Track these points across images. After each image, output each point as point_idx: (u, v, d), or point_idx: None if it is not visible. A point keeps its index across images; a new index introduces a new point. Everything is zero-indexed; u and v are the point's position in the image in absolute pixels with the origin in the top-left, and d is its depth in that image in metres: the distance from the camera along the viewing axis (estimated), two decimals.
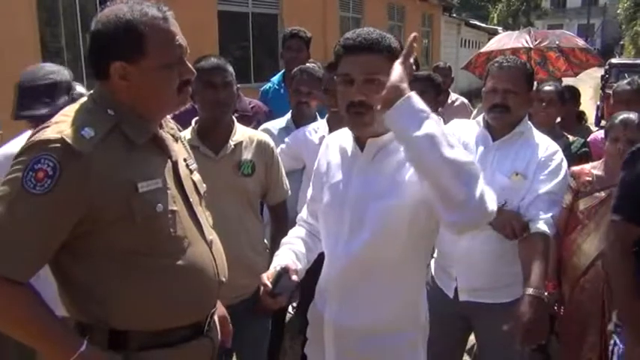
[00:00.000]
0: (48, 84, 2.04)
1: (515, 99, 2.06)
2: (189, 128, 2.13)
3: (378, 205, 1.50)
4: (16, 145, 2.06)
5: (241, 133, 2.19)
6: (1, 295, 1.21)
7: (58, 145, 1.22)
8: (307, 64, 3.13)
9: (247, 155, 2.15)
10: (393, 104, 1.27)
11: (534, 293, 1.78)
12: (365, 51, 1.46)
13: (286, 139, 2.79)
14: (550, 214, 1.96)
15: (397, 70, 1.32)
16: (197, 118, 2.18)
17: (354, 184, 1.57)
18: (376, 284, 1.56)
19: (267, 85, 3.97)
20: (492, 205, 1.27)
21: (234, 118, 2.22)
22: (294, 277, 1.53)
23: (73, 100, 1.90)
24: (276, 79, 3.94)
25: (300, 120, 2.94)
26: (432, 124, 1.25)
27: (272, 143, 2.27)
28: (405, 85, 1.29)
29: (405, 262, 1.56)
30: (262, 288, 1.51)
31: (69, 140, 1.23)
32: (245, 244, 2.16)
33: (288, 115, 2.99)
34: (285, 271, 1.53)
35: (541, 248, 1.89)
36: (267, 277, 1.53)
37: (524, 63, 2.23)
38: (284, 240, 1.79)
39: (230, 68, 2.14)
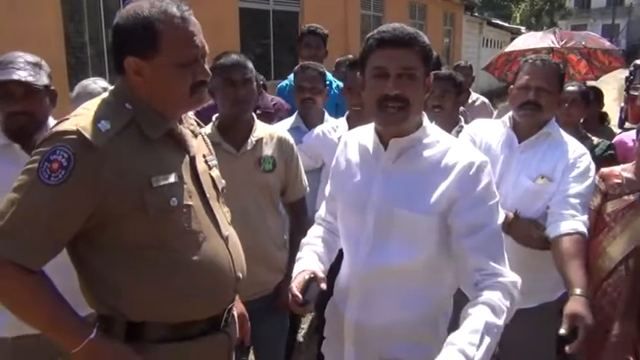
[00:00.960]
0: None
1: (547, 98, 2.02)
2: (210, 124, 2.14)
3: (404, 212, 1.46)
4: None
5: (262, 129, 2.19)
6: (13, 281, 1.24)
7: (74, 136, 1.25)
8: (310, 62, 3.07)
9: (268, 151, 2.15)
10: None
11: (583, 294, 1.71)
12: (403, 45, 1.43)
13: (304, 138, 2.75)
14: (586, 216, 1.92)
15: None
16: (218, 114, 2.19)
17: (377, 186, 1.53)
18: (399, 288, 1.52)
19: (284, 83, 3.94)
20: (517, 280, 1.48)
21: (254, 114, 2.22)
22: (323, 285, 1.52)
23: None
24: (293, 76, 3.93)
25: (308, 117, 2.88)
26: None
27: (292, 140, 2.26)
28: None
29: (429, 269, 1.53)
30: (291, 297, 1.49)
31: (84, 132, 1.25)
32: (267, 240, 2.15)
33: (294, 116, 2.93)
34: (313, 279, 1.51)
35: (580, 248, 1.85)
36: (296, 287, 1.50)
37: (557, 63, 2.18)
38: (304, 240, 1.77)
39: (250, 65, 2.14)
